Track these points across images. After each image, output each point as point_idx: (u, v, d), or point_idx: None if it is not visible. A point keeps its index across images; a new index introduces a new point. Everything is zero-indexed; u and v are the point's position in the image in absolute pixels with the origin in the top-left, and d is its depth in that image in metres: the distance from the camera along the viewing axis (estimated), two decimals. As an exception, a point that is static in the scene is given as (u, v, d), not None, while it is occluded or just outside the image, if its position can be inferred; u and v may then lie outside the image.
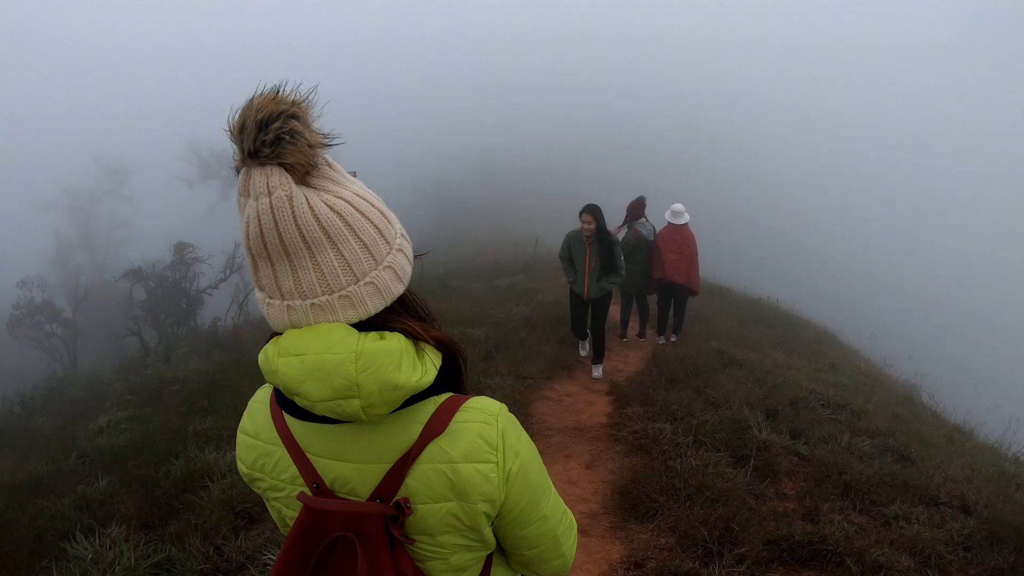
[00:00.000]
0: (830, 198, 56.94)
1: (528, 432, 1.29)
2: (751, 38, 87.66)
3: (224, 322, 16.84)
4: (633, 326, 10.17)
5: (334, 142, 1.04)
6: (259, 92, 0.98)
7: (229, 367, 9.66)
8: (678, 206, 9.09)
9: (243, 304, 18.75)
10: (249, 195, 0.99)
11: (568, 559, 1.32)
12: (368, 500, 1.10)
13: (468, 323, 10.01)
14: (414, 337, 1.10)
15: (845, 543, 3.89)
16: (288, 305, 1.04)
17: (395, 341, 1.05)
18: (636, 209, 9.26)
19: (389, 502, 1.08)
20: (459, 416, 1.11)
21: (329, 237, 1.01)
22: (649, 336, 9.96)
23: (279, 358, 1.04)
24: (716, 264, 16.34)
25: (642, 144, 60.82)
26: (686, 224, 9.01)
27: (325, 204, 1.01)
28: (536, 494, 1.19)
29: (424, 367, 1.07)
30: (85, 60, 75.65)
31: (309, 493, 1.13)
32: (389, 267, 1.08)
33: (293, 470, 1.15)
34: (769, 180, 58.48)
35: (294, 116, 0.96)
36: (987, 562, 3.88)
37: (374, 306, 1.07)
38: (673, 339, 9.52)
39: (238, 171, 1.01)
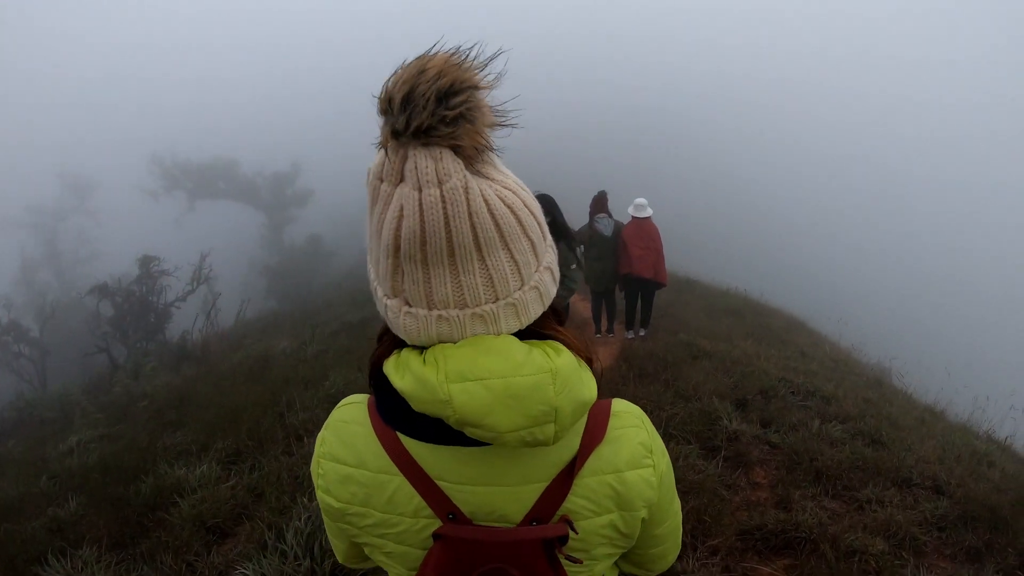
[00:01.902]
0: (795, 189, 57.70)
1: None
2: (709, 37, 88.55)
3: (193, 335, 16.67)
4: (602, 322, 10.17)
5: (510, 122, 0.89)
6: (433, 51, 0.83)
7: (198, 380, 9.59)
8: (641, 200, 9.08)
9: (212, 316, 18.61)
10: (403, 182, 0.85)
11: (679, 549, 1.22)
12: (522, 524, 0.97)
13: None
14: (568, 346, 0.97)
15: (819, 529, 3.90)
16: (439, 315, 0.90)
17: (567, 353, 0.93)
18: (595, 203, 9.25)
19: (546, 523, 0.96)
20: (614, 422, 1.02)
21: (502, 236, 0.88)
22: (617, 332, 9.98)
23: (451, 384, 0.87)
24: (685, 256, 16.44)
25: (611, 138, 61.13)
26: (649, 217, 9.01)
27: (498, 197, 0.87)
28: (673, 490, 1.13)
29: (591, 377, 0.97)
30: (41, 75, 74.57)
31: (440, 524, 0.97)
32: (548, 268, 0.97)
33: (417, 501, 0.97)
34: (735, 172, 59.05)
35: (477, 88, 0.83)
36: (961, 541, 3.92)
37: (534, 313, 0.95)
38: (642, 333, 9.52)
39: (384, 148, 0.87)
